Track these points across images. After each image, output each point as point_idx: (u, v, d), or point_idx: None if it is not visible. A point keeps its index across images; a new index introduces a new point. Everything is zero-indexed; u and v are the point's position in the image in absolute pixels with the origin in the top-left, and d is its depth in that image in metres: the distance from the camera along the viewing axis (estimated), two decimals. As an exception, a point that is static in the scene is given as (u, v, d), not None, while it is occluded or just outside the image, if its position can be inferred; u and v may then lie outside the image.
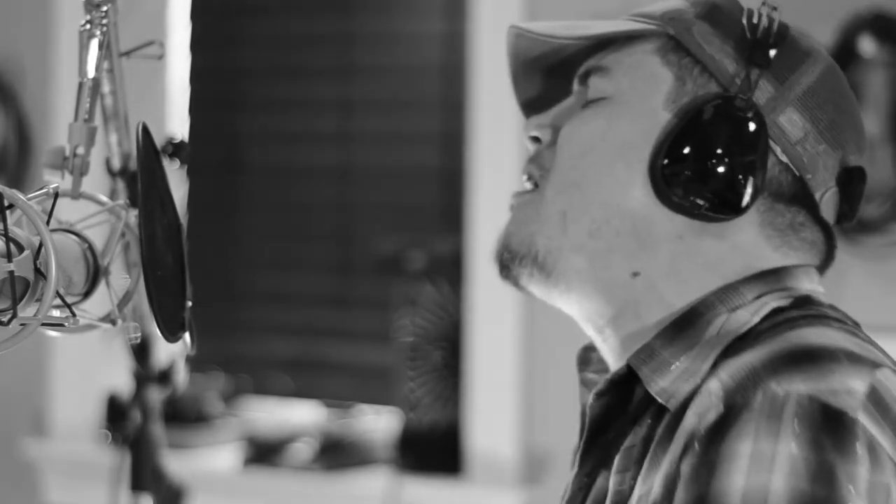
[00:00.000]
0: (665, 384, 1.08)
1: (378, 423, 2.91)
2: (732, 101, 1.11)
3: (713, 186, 1.10)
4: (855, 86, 2.40)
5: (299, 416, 3.05)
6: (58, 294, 0.88)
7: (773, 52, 1.13)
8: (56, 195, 0.94)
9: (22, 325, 0.87)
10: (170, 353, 1.60)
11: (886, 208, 2.41)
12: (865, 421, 0.98)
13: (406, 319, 2.77)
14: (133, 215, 1.03)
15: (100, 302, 1.01)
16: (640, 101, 1.15)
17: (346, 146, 3.12)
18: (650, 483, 1.04)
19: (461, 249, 2.75)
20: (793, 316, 1.09)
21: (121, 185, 1.34)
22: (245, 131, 3.21)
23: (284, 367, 3.13)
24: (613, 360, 1.18)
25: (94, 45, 1.03)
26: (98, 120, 1.05)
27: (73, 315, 0.91)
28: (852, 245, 2.38)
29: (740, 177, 1.09)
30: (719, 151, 1.10)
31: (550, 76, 1.27)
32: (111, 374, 2.97)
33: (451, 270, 2.76)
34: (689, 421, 1.02)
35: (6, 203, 0.86)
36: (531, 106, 1.28)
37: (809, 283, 1.14)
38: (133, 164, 1.29)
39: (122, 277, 1.05)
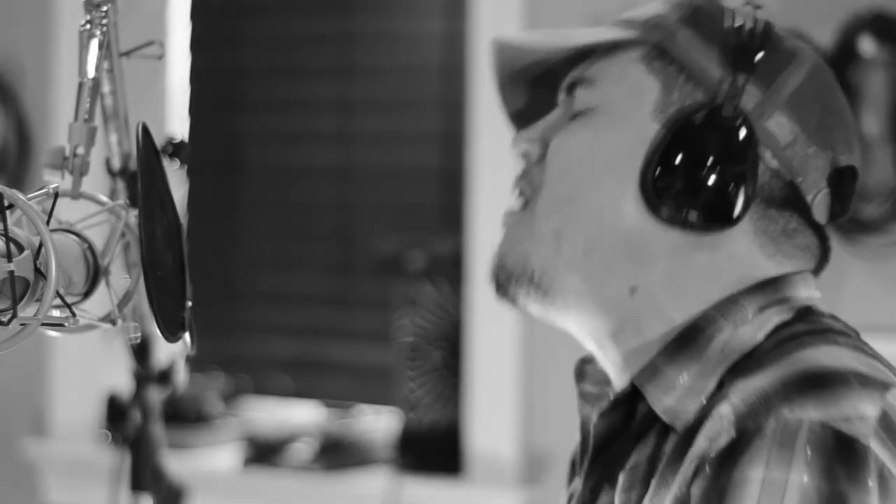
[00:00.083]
0: (670, 403, 1.08)
1: (378, 423, 2.91)
2: (720, 110, 1.10)
3: (705, 199, 1.09)
4: (855, 86, 2.40)
5: (299, 416, 3.05)
6: (58, 294, 0.88)
7: (758, 56, 1.12)
8: (56, 195, 0.94)
9: (22, 325, 0.87)
10: (170, 353, 1.60)
11: (886, 208, 2.41)
12: (877, 448, 0.98)
13: (406, 319, 2.77)
14: (133, 215, 1.03)
15: (100, 302, 1.00)
16: (628, 112, 1.14)
17: (346, 146, 3.12)
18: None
19: (461, 249, 2.75)
20: (798, 331, 1.08)
21: (121, 185, 1.34)
22: (245, 131, 3.21)
23: (284, 367, 3.13)
24: (615, 374, 1.17)
25: (94, 45, 1.03)
26: (98, 120, 1.05)
27: (73, 315, 0.91)
28: (852, 245, 2.38)
29: (732, 187, 1.09)
30: (709, 163, 1.09)
31: (537, 87, 1.25)
32: (111, 374, 2.97)
33: (451, 270, 2.76)
34: (700, 444, 1.01)
35: (6, 203, 0.86)
36: (520, 117, 1.27)
37: (807, 290, 1.14)
38: (133, 164, 1.29)
39: (122, 277, 1.05)
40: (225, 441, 3.01)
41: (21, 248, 0.87)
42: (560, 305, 1.16)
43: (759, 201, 1.11)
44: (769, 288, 1.12)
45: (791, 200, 1.13)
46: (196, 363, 3.07)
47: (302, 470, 2.80)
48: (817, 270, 1.17)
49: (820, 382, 1.01)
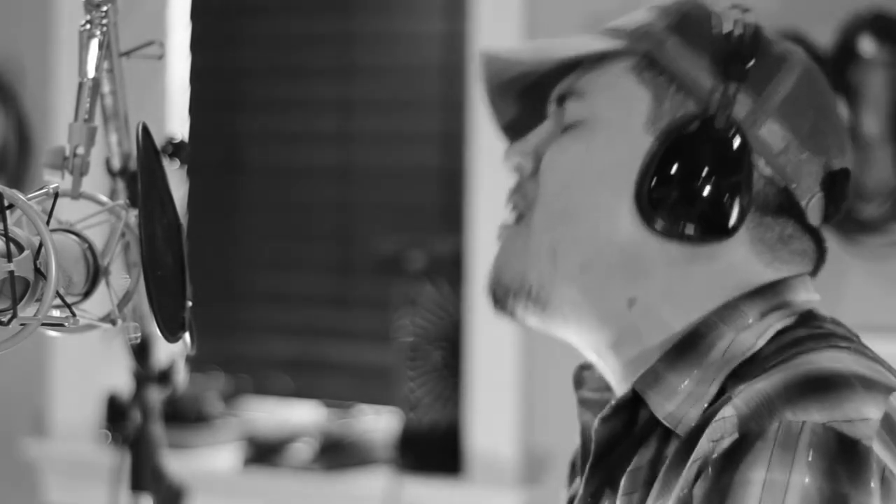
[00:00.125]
0: (671, 408, 1.08)
1: (378, 423, 2.91)
2: (713, 121, 1.10)
3: (702, 211, 1.09)
4: (855, 86, 2.40)
5: (299, 416, 3.05)
6: (58, 294, 0.88)
7: (749, 64, 1.11)
8: (56, 195, 0.94)
9: (22, 325, 0.87)
10: (170, 353, 1.60)
11: (886, 208, 2.41)
12: (879, 449, 0.98)
13: (406, 319, 2.77)
14: (133, 215, 1.03)
15: (100, 302, 1.01)
16: (620, 125, 1.14)
17: (346, 146, 3.12)
18: None
19: (461, 249, 2.75)
20: (800, 336, 1.08)
21: (121, 185, 1.34)
22: (245, 131, 3.21)
23: (284, 367, 3.13)
24: (616, 382, 1.17)
25: (94, 45, 1.03)
26: (98, 120, 1.05)
27: (73, 315, 0.91)
28: (852, 245, 2.38)
29: (728, 199, 1.09)
30: (705, 175, 1.09)
31: (526, 98, 1.25)
32: (111, 374, 2.97)
33: (451, 270, 2.76)
34: (703, 446, 1.01)
35: (6, 203, 0.86)
36: (512, 128, 1.26)
37: (806, 293, 1.14)
38: (133, 164, 1.29)
39: (122, 277, 1.05)
40: (225, 441, 3.01)
41: (21, 248, 0.87)
42: (559, 319, 1.16)
43: (755, 209, 1.11)
44: (768, 293, 1.12)
45: (786, 207, 1.13)
46: (196, 363, 3.07)
47: (302, 470, 2.80)
48: (814, 272, 1.17)
49: (823, 385, 1.01)
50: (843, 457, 0.97)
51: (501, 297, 1.17)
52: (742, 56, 1.11)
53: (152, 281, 0.92)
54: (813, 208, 1.14)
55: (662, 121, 1.12)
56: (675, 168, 1.09)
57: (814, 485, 0.95)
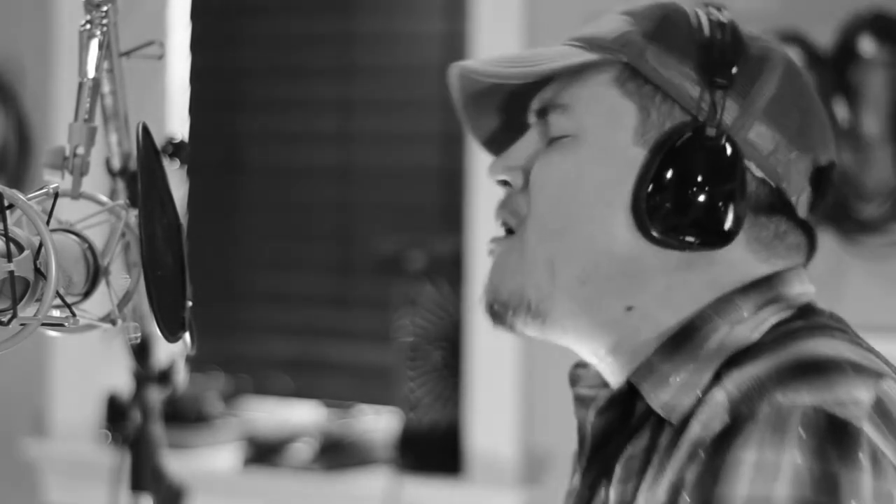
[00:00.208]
0: (666, 398, 1.08)
1: (378, 423, 2.91)
2: (703, 131, 1.10)
3: (700, 220, 1.09)
4: (855, 86, 2.40)
5: (299, 416, 3.05)
6: (58, 294, 0.88)
7: (734, 70, 1.11)
8: (56, 195, 0.94)
9: (22, 325, 0.87)
10: (170, 353, 1.60)
11: (886, 208, 2.41)
12: (870, 431, 0.98)
13: (406, 319, 2.77)
14: (133, 215, 1.03)
15: (100, 302, 1.01)
16: (608, 139, 1.13)
17: (346, 146, 3.12)
18: (656, 492, 1.04)
19: (461, 249, 2.75)
20: (795, 327, 1.09)
21: (121, 185, 1.34)
22: (245, 131, 3.22)
23: (284, 367, 3.13)
24: (614, 378, 1.18)
25: (94, 45, 1.03)
26: (98, 120, 1.05)
27: (73, 315, 0.91)
28: (852, 245, 2.38)
29: (724, 206, 1.09)
30: (700, 185, 1.09)
31: (503, 109, 1.24)
32: (111, 374, 2.97)
33: (451, 270, 2.76)
34: (695, 430, 1.02)
35: (6, 203, 0.86)
36: (492, 141, 1.25)
37: (801, 285, 1.14)
38: (133, 164, 1.29)
39: (122, 277, 1.05)
40: (225, 441, 3.01)
41: (21, 248, 0.87)
42: (558, 330, 1.16)
43: (749, 210, 1.12)
44: (763, 286, 1.12)
45: (777, 205, 1.13)
46: (196, 363, 3.07)
47: (302, 470, 2.80)
48: (807, 261, 1.18)
49: (814, 369, 1.02)
50: (834, 438, 0.97)
51: (500, 313, 1.18)
52: (726, 61, 1.11)
53: (152, 281, 0.92)
54: (802, 202, 1.15)
55: (651, 132, 1.12)
56: (671, 179, 1.10)
57: (805, 465, 0.96)
